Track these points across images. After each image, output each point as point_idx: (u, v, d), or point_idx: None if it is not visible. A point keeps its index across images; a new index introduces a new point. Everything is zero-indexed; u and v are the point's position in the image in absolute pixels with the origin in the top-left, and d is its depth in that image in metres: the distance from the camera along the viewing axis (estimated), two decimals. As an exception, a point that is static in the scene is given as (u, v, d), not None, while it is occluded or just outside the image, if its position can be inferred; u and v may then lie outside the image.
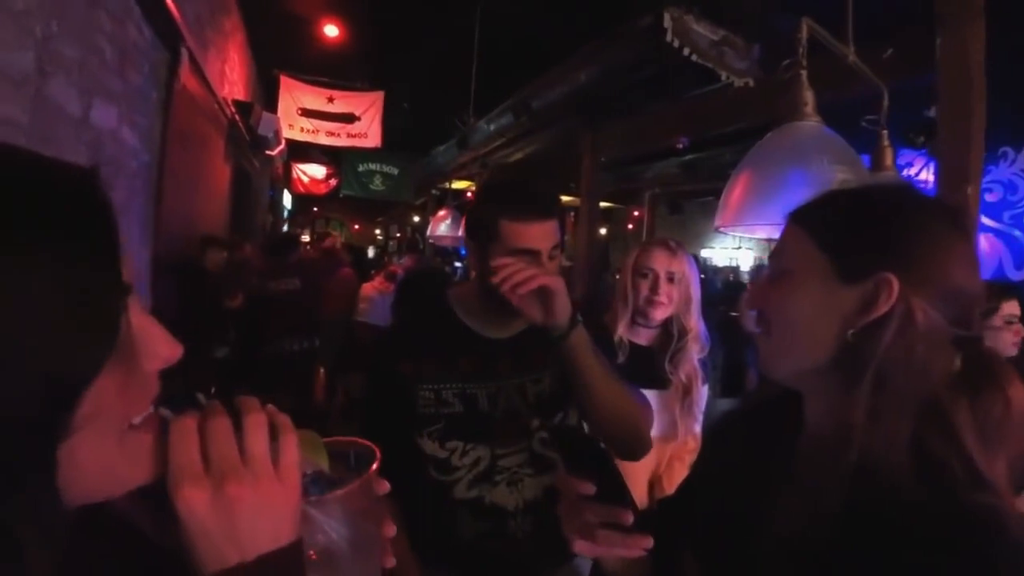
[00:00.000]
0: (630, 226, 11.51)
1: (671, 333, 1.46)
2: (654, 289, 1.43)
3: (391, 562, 0.51)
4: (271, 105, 6.02)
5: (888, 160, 1.54)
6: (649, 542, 0.57)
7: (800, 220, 0.61)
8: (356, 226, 17.21)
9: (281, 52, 5.52)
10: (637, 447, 1.12)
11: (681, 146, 5.19)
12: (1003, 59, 2.66)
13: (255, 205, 6.93)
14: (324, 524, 0.44)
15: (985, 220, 3.65)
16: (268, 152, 5.28)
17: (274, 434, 0.41)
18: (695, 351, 1.45)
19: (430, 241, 5.53)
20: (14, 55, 1.45)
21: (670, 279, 1.43)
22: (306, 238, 14.87)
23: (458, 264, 7.95)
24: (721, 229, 1.28)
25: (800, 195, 1.12)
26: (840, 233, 0.57)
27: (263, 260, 3.93)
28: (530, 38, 4.99)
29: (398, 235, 16.55)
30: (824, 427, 0.58)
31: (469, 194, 8.29)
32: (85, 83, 1.86)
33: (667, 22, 3.25)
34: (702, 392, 1.49)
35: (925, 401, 0.52)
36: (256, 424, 0.40)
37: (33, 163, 0.35)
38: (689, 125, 5.05)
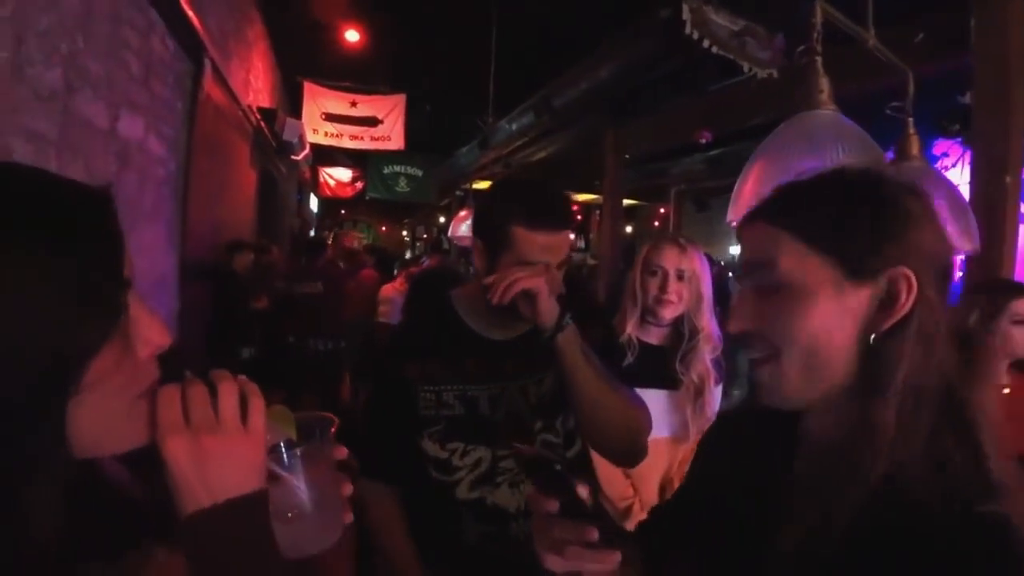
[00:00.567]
0: (656, 224, 11.38)
1: (682, 332, 1.43)
2: (663, 287, 1.40)
3: (349, 518, 0.57)
4: (296, 111, 6.14)
5: (914, 149, 1.48)
6: (617, 557, 0.55)
7: (780, 221, 0.55)
8: (383, 227, 17.42)
9: (304, 59, 5.63)
10: (631, 453, 1.10)
11: (704, 141, 5.10)
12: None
13: (282, 209, 7.07)
14: (290, 482, 0.52)
15: (1028, 209, 3.48)
16: (293, 157, 5.38)
17: (245, 400, 0.48)
18: (707, 351, 1.42)
19: (453, 242, 5.56)
20: (42, 72, 1.51)
21: (680, 277, 1.39)
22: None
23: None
24: (734, 224, 1.25)
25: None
26: (837, 229, 0.52)
27: (290, 263, 4.01)
28: (549, 36, 4.98)
29: (424, 236, 16.70)
30: (835, 437, 0.53)
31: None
32: (112, 96, 1.93)
33: (685, 14, 3.18)
34: (715, 393, 1.45)
35: (944, 395, 0.49)
36: (227, 390, 0.47)
37: (58, 183, 0.44)
38: (713, 119, 4.96)
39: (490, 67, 4.70)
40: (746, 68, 3.51)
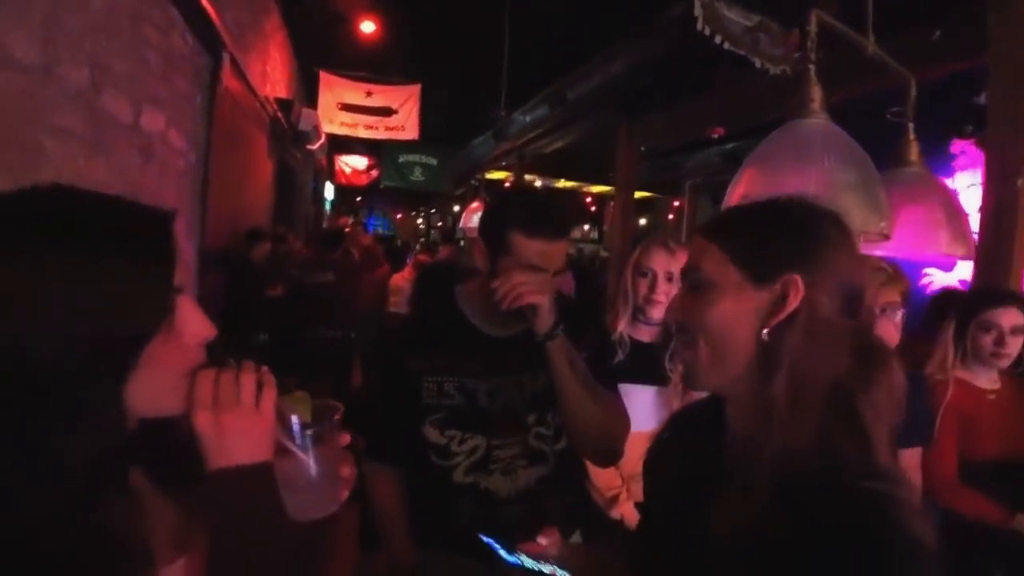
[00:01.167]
0: (671, 216, 11.31)
1: (671, 331, 1.48)
2: (652, 288, 1.45)
3: (345, 495, 0.67)
4: (312, 101, 6.21)
5: (913, 155, 1.49)
6: None
7: (711, 235, 0.66)
8: (398, 215, 17.54)
9: (320, 49, 5.68)
10: (606, 455, 1.18)
11: (716, 136, 5.07)
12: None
13: (298, 197, 7.18)
14: (299, 455, 0.62)
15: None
16: (309, 147, 5.46)
17: (262, 387, 0.59)
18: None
19: (466, 233, 5.62)
20: (69, 71, 1.58)
21: (669, 279, 1.45)
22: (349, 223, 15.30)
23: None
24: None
25: (805, 192, 1.13)
26: (748, 243, 0.63)
27: (307, 252, 4.11)
28: (563, 29, 4.98)
29: (439, 224, 16.79)
30: (747, 426, 0.63)
31: (507, 184, 8.34)
32: (134, 92, 2.00)
33: (697, 10, 3.18)
34: None
35: (831, 388, 0.57)
36: (247, 379, 0.58)
37: (133, 208, 0.56)
38: (726, 114, 4.93)
39: (504, 59, 4.72)
40: (758, 64, 3.51)
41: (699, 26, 3.39)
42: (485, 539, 0.95)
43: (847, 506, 0.53)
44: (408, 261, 4.65)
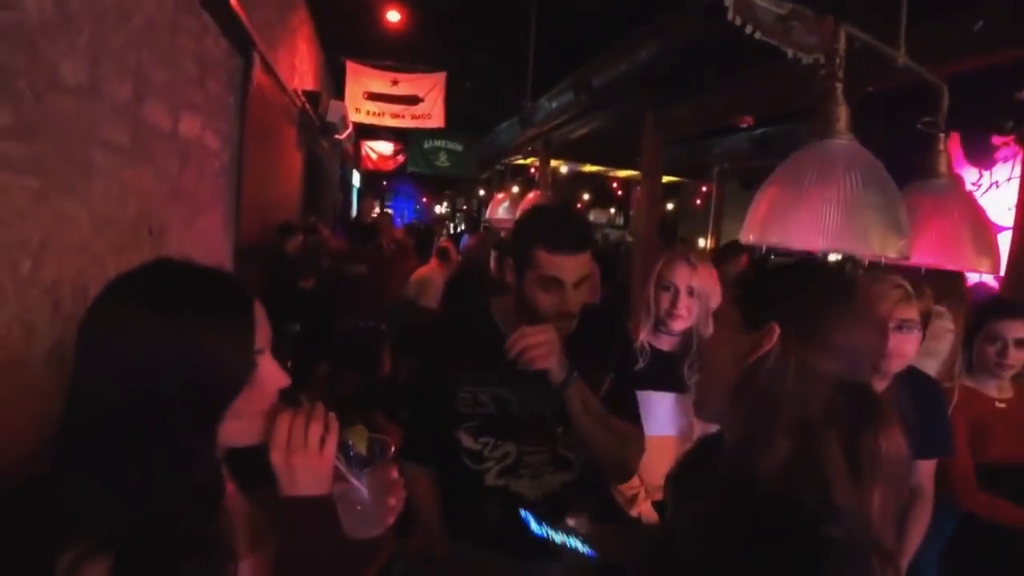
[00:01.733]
0: (698, 202, 11.15)
1: (691, 341, 1.52)
2: (674, 302, 1.49)
3: (391, 520, 0.77)
4: (339, 90, 6.26)
5: (943, 166, 1.48)
6: None
7: (731, 288, 0.81)
8: (424, 199, 17.63)
9: (347, 39, 5.72)
10: (619, 474, 1.31)
11: (746, 126, 4.98)
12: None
13: (326, 186, 7.30)
14: (355, 483, 0.73)
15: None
16: (336, 137, 5.54)
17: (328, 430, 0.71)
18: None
19: (492, 223, 5.65)
20: (115, 87, 1.66)
21: (690, 293, 1.49)
22: (376, 211, 15.45)
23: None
24: (745, 243, 1.31)
25: (826, 216, 1.14)
26: (750, 295, 0.75)
27: (338, 243, 4.20)
28: (590, 15, 4.91)
29: (464, 208, 16.84)
30: (731, 437, 0.73)
31: (532, 170, 8.32)
32: (173, 100, 2.08)
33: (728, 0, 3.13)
34: None
35: (800, 427, 0.65)
36: (315, 426, 0.70)
37: (219, 278, 0.69)
38: (757, 103, 4.82)
39: (530, 45, 4.69)
40: (790, 55, 3.43)
41: (730, 16, 3.33)
42: (522, 512, 1.07)
43: (796, 546, 0.60)
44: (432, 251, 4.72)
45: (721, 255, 4.77)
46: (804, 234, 1.16)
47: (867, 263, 1.40)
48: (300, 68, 4.68)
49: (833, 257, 1.32)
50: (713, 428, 1.58)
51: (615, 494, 1.56)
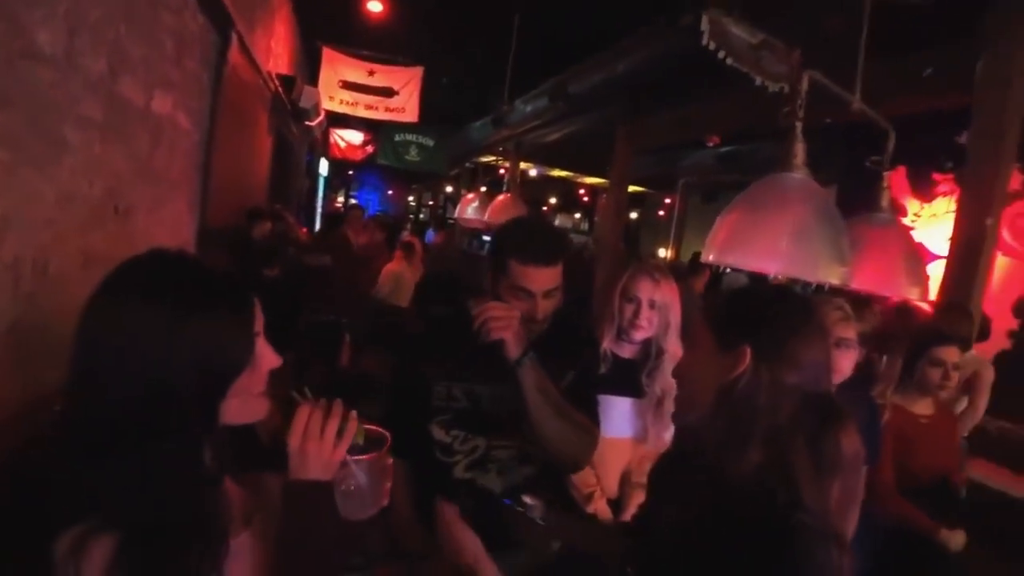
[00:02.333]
0: (661, 213, 11.43)
1: (650, 351, 1.62)
2: (636, 314, 1.58)
3: (386, 501, 0.85)
4: (313, 75, 6.17)
5: (885, 202, 1.61)
6: None
7: (705, 312, 0.88)
8: (390, 191, 17.43)
9: (325, 24, 5.64)
10: (568, 464, 1.36)
11: (712, 144, 5.17)
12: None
13: (294, 172, 7.16)
14: (355, 471, 0.81)
15: (1014, 245, 3.60)
16: (308, 123, 5.46)
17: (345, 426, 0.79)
18: (670, 368, 1.61)
19: (459, 221, 5.68)
20: (91, 60, 1.63)
21: (651, 305, 1.58)
22: (340, 201, 15.19)
23: (486, 237, 8.11)
24: (705, 262, 1.40)
25: (779, 243, 1.24)
26: (723, 319, 0.83)
27: (304, 233, 4.14)
28: (572, 23, 4.99)
29: (431, 203, 16.74)
30: (709, 444, 0.80)
31: (502, 171, 8.37)
32: (148, 76, 2.04)
33: (704, 25, 3.25)
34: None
35: (771, 435, 0.73)
36: (333, 422, 0.78)
37: (217, 273, 0.74)
38: (724, 122, 5.02)
39: (510, 46, 4.74)
40: (759, 82, 3.59)
41: (704, 40, 3.46)
42: None
43: (771, 536, 0.68)
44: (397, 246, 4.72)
45: (690, 268, 4.96)
46: (759, 258, 1.26)
47: (813, 287, 1.51)
48: (276, 50, 4.60)
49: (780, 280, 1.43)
50: (665, 434, 1.68)
51: (572, 491, 1.63)
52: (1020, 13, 2.46)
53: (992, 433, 2.93)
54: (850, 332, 1.50)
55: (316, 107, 5.23)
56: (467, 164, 10.03)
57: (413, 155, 8.69)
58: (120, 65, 1.80)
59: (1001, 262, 3.37)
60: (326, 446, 0.76)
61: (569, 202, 14.30)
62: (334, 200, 14.20)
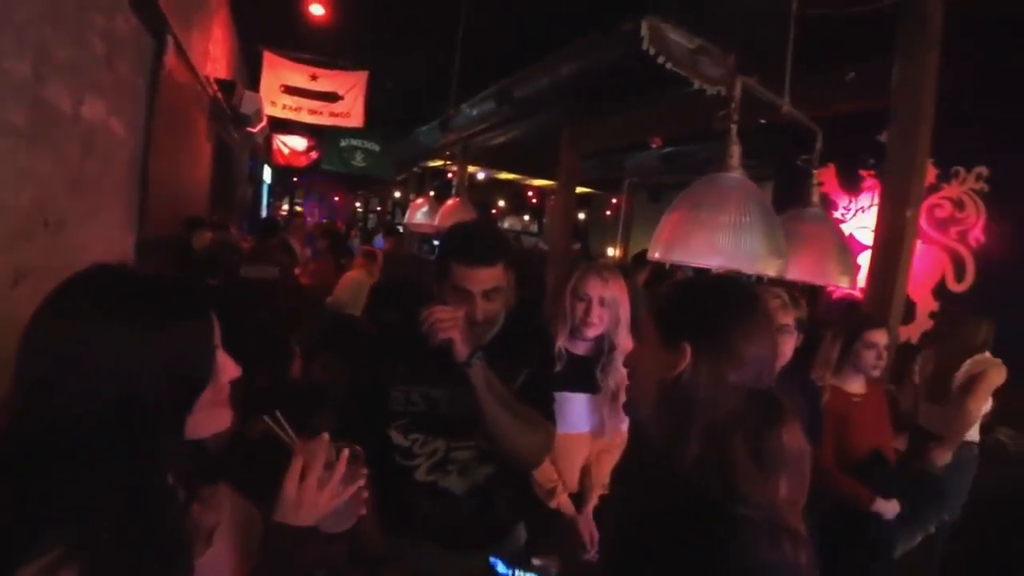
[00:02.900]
0: (608, 212, 11.69)
1: (603, 347, 1.68)
2: (587, 312, 1.64)
3: (363, 511, 0.87)
4: (254, 80, 5.99)
5: (815, 198, 1.73)
6: None
7: (652, 302, 0.89)
8: (336, 198, 17.07)
9: (265, 28, 5.49)
10: (523, 463, 1.37)
11: (655, 146, 5.34)
12: (960, 86, 2.84)
13: (236, 179, 6.93)
14: None
15: (933, 234, 3.90)
16: (250, 129, 5.30)
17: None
18: (623, 362, 1.67)
19: (408, 227, 5.64)
20: (13, 62, 1.54)
21: (601, 303, 1.64)
22: (285, 208, 14.78)
23: (436, 242, 8.09)
24: (651, 259, 1.46)
25: (719, 238, 1.31)
26: (666, 314, 0.82)
27: (247, 242, 4.02)
28: (517, 27, 5.05)
29: (379, 209, 16.50)
30: (651, 439, 0.82)
31: (449, 175, 8.36)
32: (77, 81, 1.95)
33: (644, 31, 3.37)
34: None
35: (709, 430, 0.74)
36: (337, 474, 0.81)
37: (163, 278, 0.72)
38: (666, 124, 5.19)
39: (456, 51, 4.75)
40: (697, 85, 3.75)
41: (644, 46, 3.58)
42: (490, 559, 1.19)
43: (709, 525, 0.68)
44: (356, 253, 4.65)
45: (633, 264, 5.12)
46: (701, 253, 1.33)
47: (752, 279, 1.60)
48: (214, 54, 4.45)
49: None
50: (622, 426, 1.74)
51: (535, 488, 1.67)
52: (925, 26, 2.67)
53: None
54: (789, 318, 1.60)
55: (258, 112, 5.09)
56: (414, 169, 9.95)
57: (359, 161, 8.56)
58: (46, 69, 1.71)
59: (920, 250, 3.63)
60: (323, 499, 0.77)
61: (518, 204, 14.41)
62: (278, 208, 13.80)
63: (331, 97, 6.13)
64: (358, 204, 17.26)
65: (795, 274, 1.59)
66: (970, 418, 2.60)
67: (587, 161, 7.07)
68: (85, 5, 1.97)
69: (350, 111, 6.21)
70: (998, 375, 2.62)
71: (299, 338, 3.92)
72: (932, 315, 3.89)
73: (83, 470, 0.60)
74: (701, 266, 1.39)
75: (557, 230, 6.52)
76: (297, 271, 4.48)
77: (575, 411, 1.67)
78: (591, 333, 1.66)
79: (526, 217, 14.90)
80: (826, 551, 1.95)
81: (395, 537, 1.29)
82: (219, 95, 4.30)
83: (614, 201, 10.85)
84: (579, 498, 1.72)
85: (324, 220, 13.97)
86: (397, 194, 13.79)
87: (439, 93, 5.75)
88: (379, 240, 8.27)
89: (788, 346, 1.62)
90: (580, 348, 1.71)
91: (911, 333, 3.85)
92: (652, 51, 3.48)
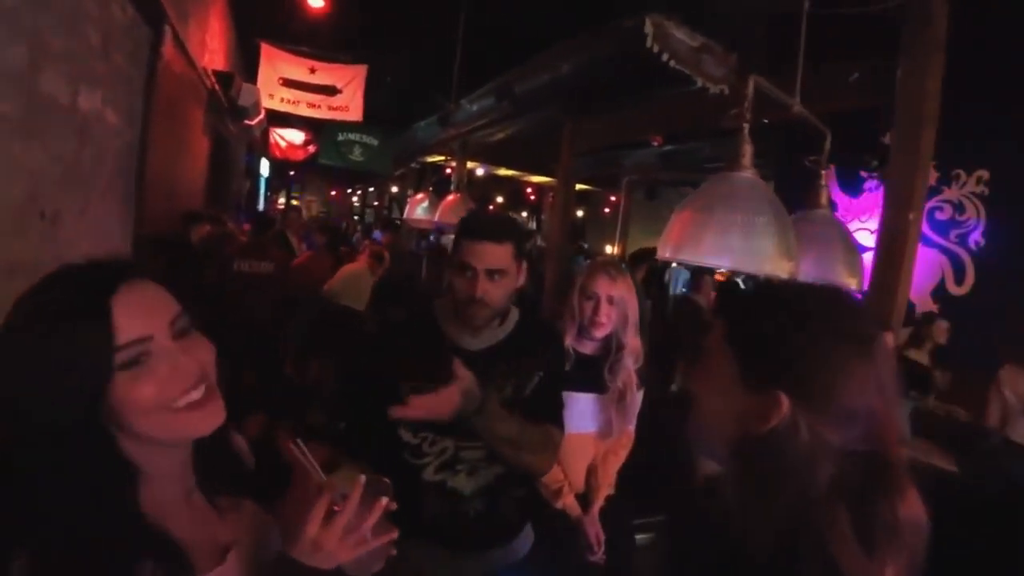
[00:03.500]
0: (606, 210, 11.68)
1: (611, 346, 1.66)
2: (596, 311, 1.62)
3: (393, 551, 0.82)
4: (251, 73, 5.93)
5: (823, 199, 1.71)
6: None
7: (727, 317, 0.67)
8: (333, 192, 16.99)
9: (263, 20, 5.43)
10: (532, 475, 1.39)
11: (656, 144, 5.32)
12: (963, 89, 2.83)
13: (232, 172, 6.87)
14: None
15: (933, 237, 3.90)
16: (247, 122, 5.24)
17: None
18: (631, 362, 1.66)
19: (407, 221, 5.61)
20: (8, 51, 1.50)
21: (610, 301, 1.62)
22: (281, 202, 14.69)
23: (432, 237, 8.06)
24: (661, 259, 1.44)
25: (730, 239, 1.29)
26: (747, 343, 0.64)
27: (243, 237, 3.98)
28: (519, 23, 5.01)
29: (376, 203, 16.44)
30: (731, 500, 0.65)
31: (448, 170, 8.31)
32: (73, 71, 1.90)
33: (648, 28, 3.34)
34: (636, 397, 1.70)
35: (803, 500, 0.58)
36: (366, 524, 0.73)
37: (66, 277, 0.62)
38: (666, 122, 5.17)
39: (456, 45, 4.70)
40: (700, 83, 3.72)
41: (648, 43, 3.55)
42: None
43: None
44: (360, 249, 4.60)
45: (631, 262, 5.12)
46: (711, 253, 1.31)
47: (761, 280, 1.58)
48: (211, 46, 4.39)
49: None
50: (628, 427, 1.72)
51: (541, 489, 1.65)
52: (929, 27, 2.65)
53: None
54: None
55: (256, 105, 5.03)
56: (413, 164, 9.91)
57: (357, 155, 8.50)
58: (41, 58, 1.67)
59: (919, 252, 3.64)
60: (346, 548, 0.69)
61: (516, 201, 14.38)
62: (275, 201, 13.72)
63: (330, 90, 6.07)
64: (355, 199, 17.18)
65: (803, 276, 1.57)
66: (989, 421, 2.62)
67: (586, 158, 7.05)
68: (81, -8, 1.92)
69: (349, 105, 6.15)
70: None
71: (291, 331, 3.89)
72: (930, 318, 3.89)
73: (33, 488, 0.57)
74: (709, 266, 1.37)
75: (556, 226, 6.50)
76: (293, 265, 4.43)
77: (581, 411, 1.65)
78: (599, 333, 1.64)
79: (524, 214, 14.87)
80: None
81: (401, 537, 1.27)
82: (217, 87, 4.25)
83: (612, 198, 10.84)
84: (585, 498, 1.71)
85: (322, 214, 13.92)
86: (395, 189, 13.74)
87: (438, 88, 5.71)
88: (377, 234, 8.23)
89: None
90: (587, 347, 1.69)
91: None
92: (656, 48, 3.46)
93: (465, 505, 1.28)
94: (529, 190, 13.45)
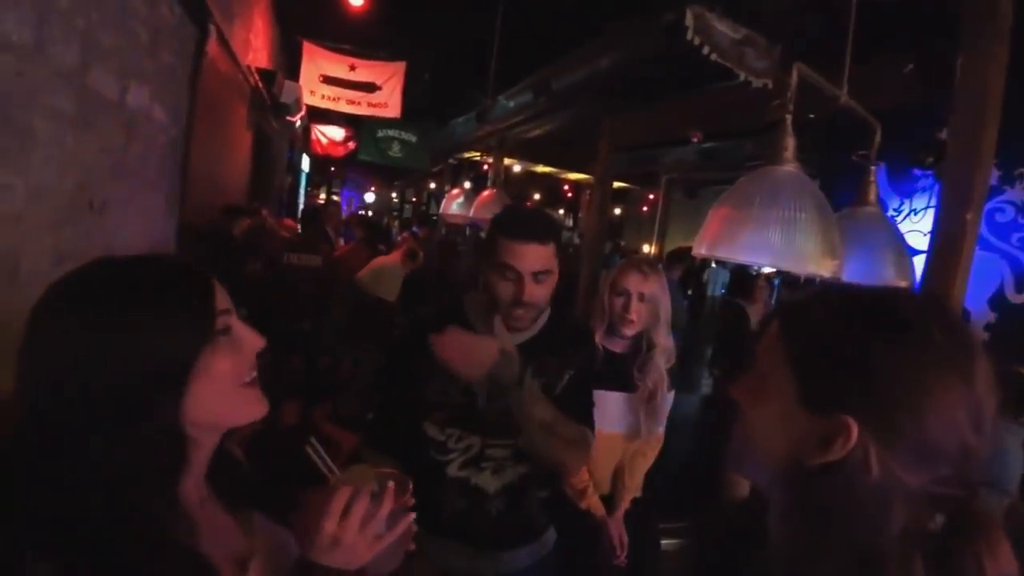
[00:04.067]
0: (644, 208, 11.50)
1: (641, 344, 1.61)
2: (626, 307, 1.58)
3: (412, 546, 0.80)
4: (293, 70, 6.07)
5: (871, 195, 1.62)
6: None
7: (784, 318, 0.58)
8: (372, 188, 17.26)
9: (304, 18, 5.55)
10: (559, 471, 1.35)
11: (696, 140, 5.20)
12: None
13: (274, 167, 7.05)
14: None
15: (992, 240, 3.68)
16: (289, 118, 5.37)
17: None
18: (661, 362, 1.61)
19: (444, 217, 5.64)
20: (62, 50, 1.57)
21: (641, 299, 1.57)
22: (322, 197, 15.02)
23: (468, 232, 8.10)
24: (697, 256, 1.39)
25: (770, 236, 1.23)
26: (811, 354, 0.54)
27: (289, 230, 4.07)
28: (556, 18, 4.98)
29: (414, 199, 16.64)
30: (776, 538, 0.57)
31: (485, 167, 8.32)
32: (122, 68, 1.97)
33: (689, 20, 3.25)
34: (667, 397, 1.65)
35: (869, 550, 0.49)
36: (378, 520, 0.70)
37: (149, 262, 0.66)
38: (707, 118, 5.04)
39: (493, 41, 4.70)
40: (742, 77, 3.61)
41: (689, 36, 3.46)
42: None
43: None
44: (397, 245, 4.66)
45: (668, 261, 5.02)
46: (750, 251, 1.25)
47: (802, 280, 1.51)
48: (255, 44, 4.51)
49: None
50: (658, 428, 1.68)
51: (566, 488, 1.63)
52: (994, 18, 2.49)
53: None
54: None
55: (297, 102, 5.15)
56: (450, 160, 9.96)
57: (396, 151, 8.61)
58: (92, 56, 1.74)
59: (977, 256, 3.44)
60: (365, 541, 0.68)
61: (553, 198, 14.31)
62: (315, 197, 14.03)
63: (369, 87, 6.16)
64: (394, 195, 17.44)
65: (848, 276, 1.49)
66: None
67: (624, 155, 6.94)
68: (130, -8, 1.99)
69: (387, 101, 6.23)
70: None
71: (330, 321, 3.97)
72: (988, 327, 3.67)
73: (68, 473, 0.56)
74: (747, 263, 1.31)
75: (593, 224, 6.43)
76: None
77: (610, 410, 1.61)
78: (629, 330, 1.60)
79: (561, 211, 14.80)
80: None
81: (422, 534, 1.27)
82: (259, 84, 4.36)
83: (650, 197, 10.66)
84: (610, 500, 1.67)
85: (358, 210, 14.16)
86: (432, 185, 13.85)
87: (477, 85, 5.72)
88: (414, 229, 8.33)
89: None
90: (617, 345, 1.66)
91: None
92: (697, 41, 3.36)
93: (488, 503, 1.27)
94: (566, 187, 13.37)
